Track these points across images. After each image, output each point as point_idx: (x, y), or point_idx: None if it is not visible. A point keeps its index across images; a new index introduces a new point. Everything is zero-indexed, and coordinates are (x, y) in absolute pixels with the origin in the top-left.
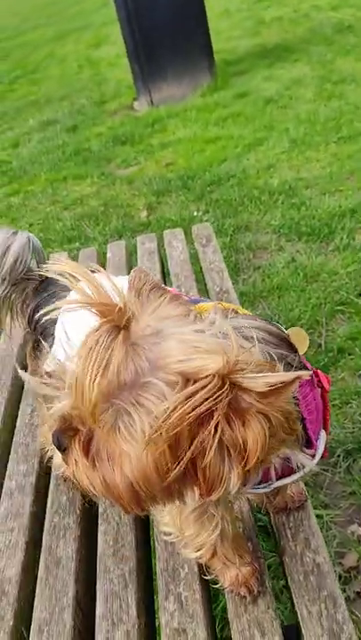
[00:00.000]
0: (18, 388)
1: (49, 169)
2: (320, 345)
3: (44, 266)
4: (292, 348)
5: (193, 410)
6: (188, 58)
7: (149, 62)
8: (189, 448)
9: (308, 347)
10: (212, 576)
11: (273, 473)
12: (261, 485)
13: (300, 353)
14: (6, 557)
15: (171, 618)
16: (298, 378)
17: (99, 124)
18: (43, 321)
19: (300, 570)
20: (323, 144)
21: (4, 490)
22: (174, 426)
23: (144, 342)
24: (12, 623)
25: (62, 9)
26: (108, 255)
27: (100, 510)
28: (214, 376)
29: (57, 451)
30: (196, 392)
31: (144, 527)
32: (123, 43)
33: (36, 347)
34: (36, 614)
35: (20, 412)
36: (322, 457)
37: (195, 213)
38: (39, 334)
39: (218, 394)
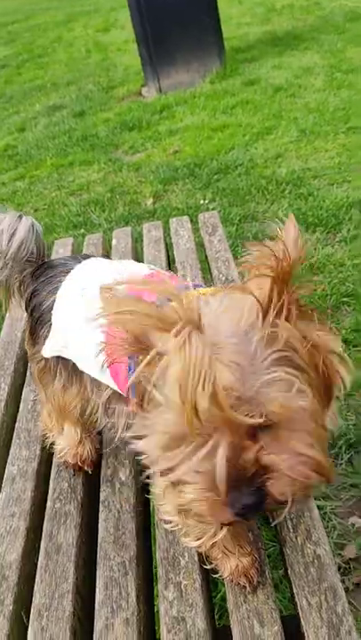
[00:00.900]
0: (21, 374)
1: (55, 154)
2: None
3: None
4: None
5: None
6: (197, 44)
7: (158, 48)
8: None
9: None
10: (213, 565)
11: None
12: None
13: None
14: (7, 543)
15: (170, 606)
16: None
17: (106, 109)
18: (40, 307)
19: (301, 561)
20: (331, 134)
21: (5, 475)
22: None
23: (219, 338)
24: (11, 608)
25: None
26: (114, 242)
27: (102, 498)
28: None
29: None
30: None
31: (146, 515)
32: (132, 28)
33: (33, 333)
34: (35, 600)
35: (22, 398)
36: None
37: (201, 202)
38: (35, 321)
39: None
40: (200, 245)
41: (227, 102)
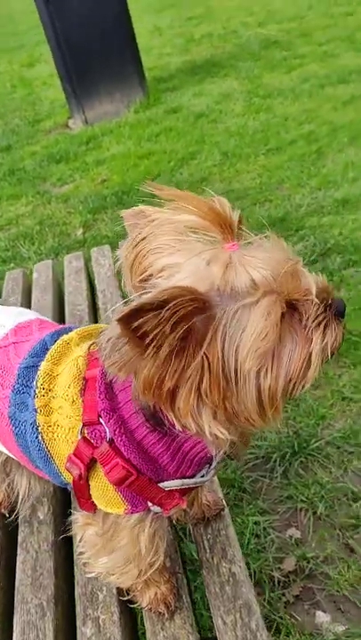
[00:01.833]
0: None
1: None
2: None
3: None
4: None
5: None
6: (118, 76)
7: (81, 81)
8: None
9: None
10: (130, 596)
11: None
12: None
13: None
14: None
15: None
16: None
17: (33, 143)
18: None
19: (217, 581)
20: (252, 156)
21: None
22: None
23: None
24: None
25: None
26: (35, 276)
27: (20, 540)
28: None
29: None
30: None
31: (67, 552)
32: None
33: None
34: None
35: None
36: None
37: None
38: None
39: None
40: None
41: (151, 130)
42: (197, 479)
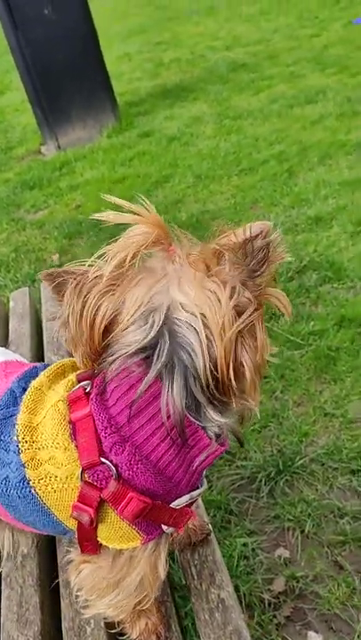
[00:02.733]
0: None
1: None
2: None
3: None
4: None
5: None
6: (90, 101)
7: (52, 107)
8: None
9: None
10: (119, 629)
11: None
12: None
13: None
14: None
15: None
16: None
17: (6, 170)
18: None
19: (206, 608)
20: (225, 177)
21: None
22: None
23: None
24: None
25: None
26: (11, 304)
27: (4, 575)
28: None
29: None
30: None
31: (55, 587)
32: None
33: None
34: None
35: None
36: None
37: None
38: None
39: None
40: None
41: (124, 155)
42: (201, 489)
